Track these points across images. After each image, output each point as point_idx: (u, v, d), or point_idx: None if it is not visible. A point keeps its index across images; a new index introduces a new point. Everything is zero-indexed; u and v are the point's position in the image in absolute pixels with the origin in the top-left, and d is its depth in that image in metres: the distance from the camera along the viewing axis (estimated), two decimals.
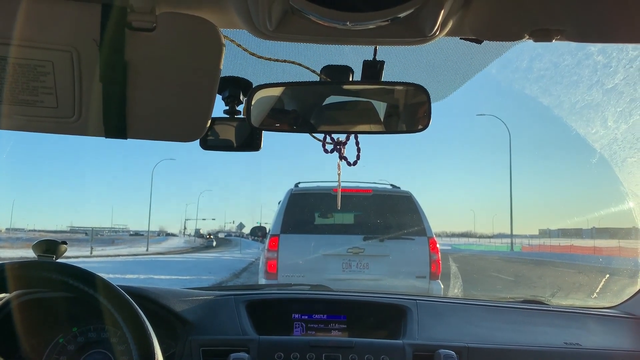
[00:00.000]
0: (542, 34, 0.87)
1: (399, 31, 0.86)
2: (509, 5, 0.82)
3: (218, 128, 1.37)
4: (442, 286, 5.97)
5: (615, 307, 2.02)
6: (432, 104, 1.15)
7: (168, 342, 1.55)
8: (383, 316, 1.81)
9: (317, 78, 1.23)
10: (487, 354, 1.57)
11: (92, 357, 1.51)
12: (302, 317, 1.79)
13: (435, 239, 5.98)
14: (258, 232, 7.73)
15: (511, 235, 42.33)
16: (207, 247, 55.24)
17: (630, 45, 1.98)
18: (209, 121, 1.03)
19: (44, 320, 1.53)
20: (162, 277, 14.76)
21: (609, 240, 34.78)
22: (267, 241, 5.97)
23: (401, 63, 1.36)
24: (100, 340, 1.54)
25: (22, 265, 1.13)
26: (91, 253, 34.17)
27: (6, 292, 1.15)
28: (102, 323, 1.52)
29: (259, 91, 1.16)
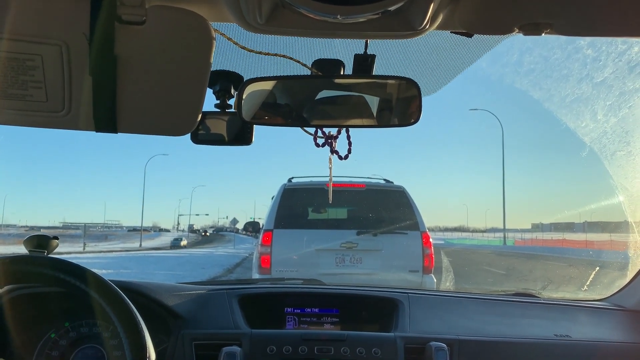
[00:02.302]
0: (532, 28, 0.88)
1: (390, 24, 0.86)
2: None
3: (209, 122, 1.36)
4: (435, 280, 6.00)
5: (605, 299, 2.04)
6: (423, 98, 1.16)
7: (160, 337, 1.55)
8: (375, 309, 1.82)
9: (308, 72, 1.23)
10: (478, 346, 1.59)
11: (84, 352, 1.50)
12: (295, 311, 1.80)
13: (428, 233, 6.00)
14: (249, 227, 7.74)
15: (504, 230, 42.61)
16: (173, 247, 44.06)
17: (619, 39, 2.00)
18: (200, 115, 1.03)
19: (35, 315, 1.53)
20: (156, 272, 14.74)
21: (601, 233, 35.06)
22: (260, 236, 5.97)
23: (392, 57, 1.36)
24: (92, 335, 1.53)
25: (13, 260, 1.12)
26: (84, 249, 34.06)
27: None
28: (94, 318, 1.52)
29: (250, 85, 1.16)
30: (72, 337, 1.53)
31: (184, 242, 49.75)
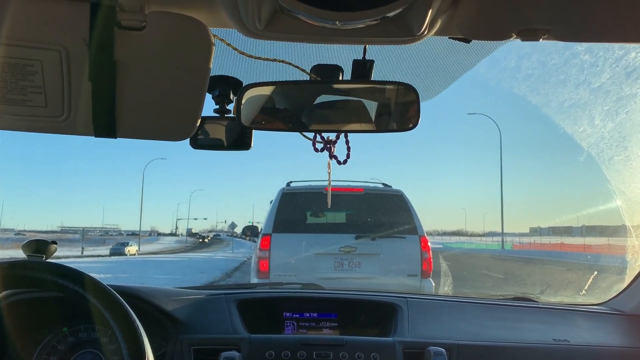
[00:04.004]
0: (529, 33, 0.89)
1: (388, 30, 0.87)
2: (496, 5, 0.83)
3: (208, 127, 1.37)
4: (434, 284, 6.00)
5: (603, 303, 2.04)
6: (422, 103, 1.17)
7: (159, 342, 1.55)
8: (374, 314, 1.82)
9: (307, 77, 1.24)
10: (477, 351, 1.59)
11: (83, 356, 1.50)
12: (294, 315, 1.80)
13: (427, 237, 6.00)
14: (247, 232, 7.73)
15: (502, 234, 42.59)
16: (115, 253, 30.44)
17: (616, 45, 2.01)
18: (199, 120, 1.03)
19: (34, 320, 1.52)
20: (154, 276, 14.72)
21: (599, 237, 35.10)
22: (259, 240, 5.97)
23: (391, 62, 1.37)
24: (90, 339, 1.53)
25: (12, 265, 1.12)
26: (82, 253, 33.92)
27: None
28: (93, 322, 1.52)
29: (249, 90, 1.16)
30: (71, 342, 1.53)
31: (131, 249, 33.80)
